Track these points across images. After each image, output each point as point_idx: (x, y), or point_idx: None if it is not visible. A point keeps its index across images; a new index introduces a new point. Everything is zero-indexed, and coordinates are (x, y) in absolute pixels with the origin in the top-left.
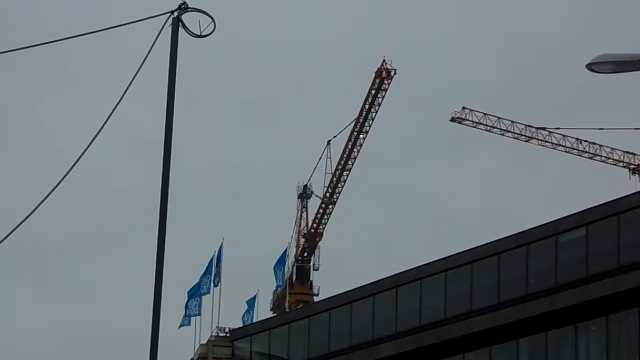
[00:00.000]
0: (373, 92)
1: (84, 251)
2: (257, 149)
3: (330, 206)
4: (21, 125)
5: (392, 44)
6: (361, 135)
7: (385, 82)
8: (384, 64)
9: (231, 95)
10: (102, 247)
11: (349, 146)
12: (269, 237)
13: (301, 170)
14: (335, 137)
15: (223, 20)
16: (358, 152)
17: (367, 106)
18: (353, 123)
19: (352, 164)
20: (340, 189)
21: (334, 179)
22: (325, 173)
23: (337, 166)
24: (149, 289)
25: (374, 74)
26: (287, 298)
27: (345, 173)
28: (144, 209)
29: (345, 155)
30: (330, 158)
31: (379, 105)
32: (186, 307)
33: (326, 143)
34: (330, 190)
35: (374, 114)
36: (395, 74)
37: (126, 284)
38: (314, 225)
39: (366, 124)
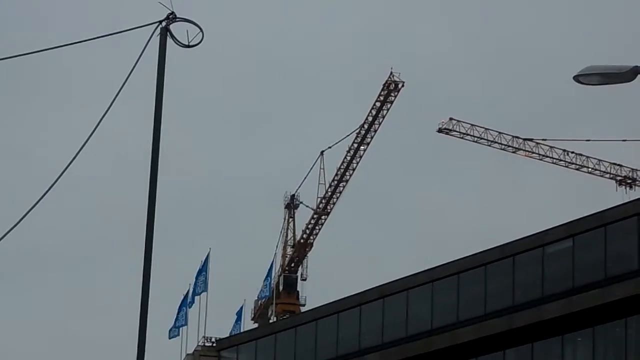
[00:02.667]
0: (378, 104)
1: (72, 261)
2: (245, 159)
3: (323, 217)
4: (3, 137)
5: (385, 57)
6: (362, 147)
7: (392, 94)
8: (392, 76)
9: (220, 106)
10: (90, 257)
11: (348, 157)
12: (256, 247)
13: (290, 181)
14: (330, 147)
15: (216, 31)
16: (357, 163)
17: (370, 118)
18: (354, 134)
19: (350, 175)
20: (335, 199)
21: (329, 190)
22: (319, 184)
23: (334, 177)
24: (137, 300)
25: (382, 86)
26: (274, 308)
27: (341, 184)
28: (132, 220)
29: (343, 167)
30: (323, 169)
31: (383, 117)
32: (176, 317)
33: (319, 154)
34: (324, 201)
35: (377, 126)
36: (403, 86)
37: (114, 295)
38: (304, 235)
39: (368, 135)
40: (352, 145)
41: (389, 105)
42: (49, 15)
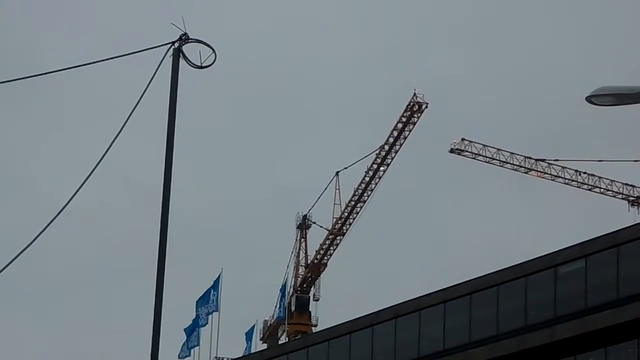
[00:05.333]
0: (400, 125)
1: (84, 285)
2: (258, 179)
3: (338, 238)
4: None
5: (398, 79)
6: (382, 168)
7: (416, 115)
8: (415, 97)
9: (232, 126)
10: (102, 280)
11: (367, 178)
12: (267, 268)
13: (303, 201)
14: (346, 168)
15: (229, 52)
16: (376, 184)
17: (391, 139)
18: (373, 155)
19: (368, 196)
20: (351, 220)
21: (346, 211)
22: (334, 204)
23: (352, 198)
24: (148, 321)
25: (405, 107)
26: (286, 328)
27: (359, 205)
28: (144, 242)
29: (361, 187)
30: (339, 189)
31: (405, 138)
32: (187, 338)
33: (334, 174)
34: (340, 222)
35: (398, 147)
36: (426, 107)
37: (126, 317)
38: (317, 256)
39: (388, 156)
40: (371, 166)
41: (411, 127)
42: (60, 37)
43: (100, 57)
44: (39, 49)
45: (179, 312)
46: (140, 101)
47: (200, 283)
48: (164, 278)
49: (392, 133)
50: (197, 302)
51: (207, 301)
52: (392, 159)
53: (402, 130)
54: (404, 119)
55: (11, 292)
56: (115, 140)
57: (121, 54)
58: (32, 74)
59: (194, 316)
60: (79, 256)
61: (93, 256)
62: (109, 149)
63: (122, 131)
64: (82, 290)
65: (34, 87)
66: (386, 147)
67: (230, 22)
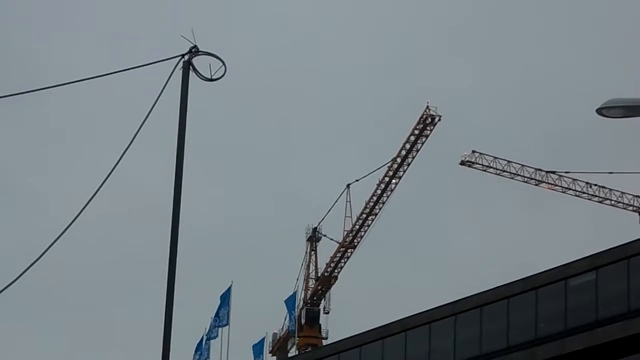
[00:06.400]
0: (413, 137)
1: (94, 299)
2: (268, 192)
3: (349, 250)
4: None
5: (407, 92)
6: (394, 180)
7: (428, 128)
8: (428, 110)
9: (243, 139)
10: (111, 295)
11: (379, 191)
12: (277, 281)
13: (313, 214)
14: (357, 180)
15: (239, 65)
16: (387, 197)
17: (404, 152)
18: (385, 167)
19: (380, 209)
20: (363, 233)
21: (358, 224)
22: (345, 217)
23: (363, 210)
24: (158, 335)
25: (418, 119)
26: (296, 341)
27: (370, 218)
28: (154, 257)
29: (373, 200)
30: (349, 202)
31: (417, 151)
32: (196, 351)
33: (345, 187)
34: (351, 235)
35: (410, 159)
36: (439, 120)
37: (136, 331)
38: (328, 269)
39: (400, 169)
40: (383, 178)
41: (423, 139)
42: (67, 49)
43: (108, 70)
44: (43, 61)
45: (189, 326)
46: (150, 114)
47: (210, 296)
48: (174, 292)
49: (404, 146)
50: (213, 317)
51: (219, 314)
52: (404, 171)
53: (414, 143)
54: (416, 132)
55: (15, 306)
56: (125, 154)
57: (131, 67)
58: (38, 88)
59: (206, 329)
60: (87, 270)
61: (102, 270)
62: (118, 162)
63: (132, 144)
64: (90, 305)
65: (40, 100)
66: (398, 160)
67: (240, 33)
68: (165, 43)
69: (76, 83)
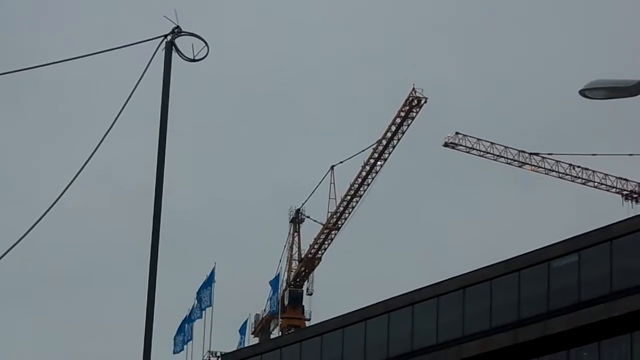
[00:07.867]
0: (399, 120)
1: (78, 284)
2: (252, 173)
3: (333, 232)
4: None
5: (392, 75)
6: (379, 162)
7: (414, 110)
8: (414, 92)
9: (226, 120)
10: (95, 278)
11: (363, 173)
12: (260, 262)
13: (297, 195)
14: (342, 162)
15: (222, 45)
16: (372, 179)
17: (389, 134)
18: (370, 149)
19: (364, 190)
20: (347, 215)
21: (342, 205)
22: (329, 198)
23: (348, 192)
24: (141, 317)
25: (404, 102)
26: (279, 322)
27: (355, 199)
28: (137, 242)
29: (357, 182)
30: (334, 184)
31: (403, 133)
32: (179, 332)
33: (329, 168)
34: (335, 217)
35: (395, 142)
36: (425, 102)
37: (119, 313)
38: (312, 250)
39: (385, 151)
40: (368, 160)
41: (409, 121)
42: (47, 30)
43: (90, 50)
44: (23, 42)
45: (172, 309)
46: (132, 96)
47: (193, 278)
48: (157, 274)
49: (390, 128)
50: (197, 293)
51: (202, 296)
52: (390, 154)
53: (400, 125)
54: (402, 114)
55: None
56: (106, 137)
57: (112, 47)
58: (16, 69)
59: (189, 310)
60: (71, 256)
61: (85, 255)
62: (99, 145)
63: (113, 127)
64: (75, 290)
65: (19, 83)
66: (384, 142)
67: (225, 17)
68: (148, 24)
69: (57, 64)
